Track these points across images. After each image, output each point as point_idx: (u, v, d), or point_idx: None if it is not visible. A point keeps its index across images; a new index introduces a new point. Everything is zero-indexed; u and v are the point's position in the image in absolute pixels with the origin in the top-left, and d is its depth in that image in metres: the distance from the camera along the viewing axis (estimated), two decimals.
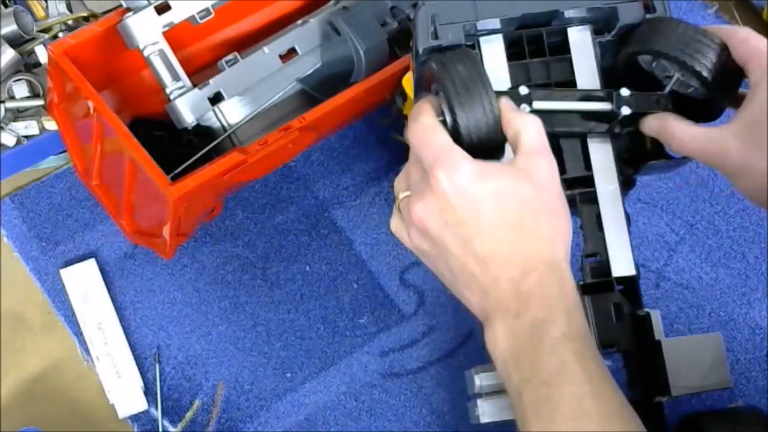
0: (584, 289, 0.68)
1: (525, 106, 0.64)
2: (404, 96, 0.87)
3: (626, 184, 0.71)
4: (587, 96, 0.67)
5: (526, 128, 0.59)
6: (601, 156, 0.69)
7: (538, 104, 0.65)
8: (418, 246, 0.60)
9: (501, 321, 0.57)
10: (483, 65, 0.62)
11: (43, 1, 0.96)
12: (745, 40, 0.63)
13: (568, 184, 0.69)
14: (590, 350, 0.56)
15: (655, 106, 0.66)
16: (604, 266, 0.68)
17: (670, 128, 0.64)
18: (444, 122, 0.60)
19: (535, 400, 0.55)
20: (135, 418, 0.84)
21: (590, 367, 0.55)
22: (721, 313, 0.89)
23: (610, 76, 0.69)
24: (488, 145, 0.60)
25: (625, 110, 0.65)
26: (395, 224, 0.62)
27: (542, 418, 0.54)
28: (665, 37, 0.65)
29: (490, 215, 0.57)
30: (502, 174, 0.58)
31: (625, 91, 0.66)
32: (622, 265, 0.68)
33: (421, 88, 0.69)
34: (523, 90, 0.64)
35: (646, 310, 0.69)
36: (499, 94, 0.62)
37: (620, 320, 0.68)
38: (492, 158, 0.60)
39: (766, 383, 0.85)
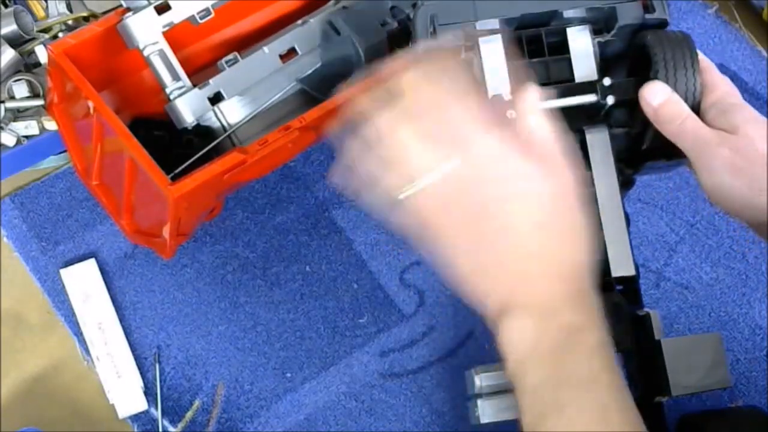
0: None
1: (511, 112, 0.64)
2: None
3: (626, 184, 0.71)
4: (571, 90, 0.67)
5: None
6: (601, 156, 0.69)
7: None
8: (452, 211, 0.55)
9: (530, 316, 0.55)
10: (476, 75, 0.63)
11: (43, 1, 0.96)
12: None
13: None
14: (613, 359, 0.55)
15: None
16: (603, 266, 0.68)
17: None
18: None
19: (559, 400, 0.54)
20: (135, 418, 0.84)
21: (614, 378, 0.55)
22: (721, 313, 0.89)
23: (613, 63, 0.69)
24: None
25: (610, 99, 0.66)
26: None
27: (565, 418, 0.53)
28: (670, 42, 0.65)
29: (555, 207, 0.55)
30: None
31: (607, 80, 0.66)
32: (621, 265, 0.68)
33: None
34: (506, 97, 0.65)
35: (646, 310, 0.69)
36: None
37: (620, 320, 0.68)
38: None
39: (766, 383, 0.85)
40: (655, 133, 0.66)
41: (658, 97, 0.64)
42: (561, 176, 0.56)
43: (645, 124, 0.66)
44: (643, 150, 0.70)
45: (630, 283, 0.69)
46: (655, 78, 0.65)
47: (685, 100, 0.64)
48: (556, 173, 0.56)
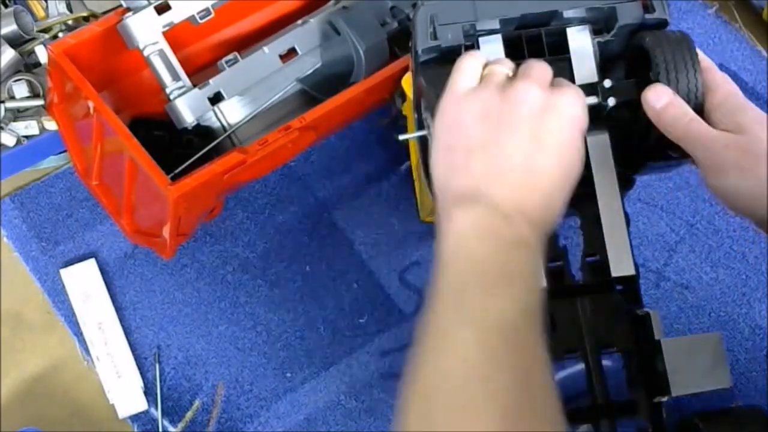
0: (584, 289, 0.68)
1: None
2: (404, 96, 0.87)
3: (626, 184, 0.71)
4: None
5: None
6: (600, 156, 0.69)
7: None
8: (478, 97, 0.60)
9: (492, 209, 0.57)
10: None
11: (43, 1, 0.96)
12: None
13: None
14: (540, 298, 0.57)
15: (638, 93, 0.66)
16: (603, 266, 0.68)
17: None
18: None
19: (481, 284, 0.55)
20: (135, 418, 0.84)
21: (537, 307, 0.56)
22: (721, 313, 0.89)
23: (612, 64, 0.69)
24: None
25: (611, 101, 0.66)
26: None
27: (489, 303, 0.55)
28: (669, 43, 0.65)
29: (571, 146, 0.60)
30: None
31: (608, 82, 0.66)
32: (621, 265, 0.68)
33: (419, 89, 0.69)
34: None
35: (646, 309, 0.69)
36: None
37: (620, 320, 0.68)
38: None
39: (766, 383, 0.85)
40: (657, 133, 0.66)
41: (660, 100, 0.64)
42: (579, 145, 0.60)
43: (646, 124, 0.66)
44: (644, 150, 0.70)
45: (630, 283, 0.69)
46: (656, 79, 0.65)
47: (687, 101, 0.64)
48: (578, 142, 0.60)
